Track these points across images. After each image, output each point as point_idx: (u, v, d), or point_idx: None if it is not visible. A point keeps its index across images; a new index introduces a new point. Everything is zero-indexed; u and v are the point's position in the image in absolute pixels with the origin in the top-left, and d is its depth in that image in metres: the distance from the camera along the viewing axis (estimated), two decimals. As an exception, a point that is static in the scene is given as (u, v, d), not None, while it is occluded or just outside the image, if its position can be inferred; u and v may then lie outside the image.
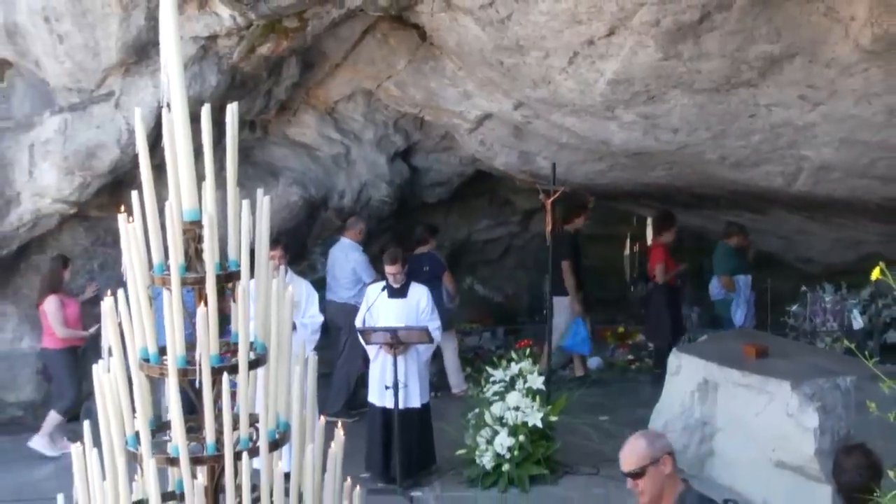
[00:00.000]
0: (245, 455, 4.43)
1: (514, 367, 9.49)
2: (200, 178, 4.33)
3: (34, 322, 10.58)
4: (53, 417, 10.11)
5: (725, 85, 8.96)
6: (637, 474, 4.85)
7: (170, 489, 4.63)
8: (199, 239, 4.31)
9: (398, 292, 9.46)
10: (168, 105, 4.24)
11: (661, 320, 12.18)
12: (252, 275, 4.47)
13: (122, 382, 4.40)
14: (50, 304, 10.06)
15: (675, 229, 12.37)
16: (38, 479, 9.08)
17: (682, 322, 12.72)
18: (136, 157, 4.56)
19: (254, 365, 4.49)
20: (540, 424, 9.23)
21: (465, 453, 9.41)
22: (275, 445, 4.53)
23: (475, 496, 9.13)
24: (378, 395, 9.38)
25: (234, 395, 4.43)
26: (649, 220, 13.73)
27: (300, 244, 11.14)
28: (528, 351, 9.84)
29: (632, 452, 4.92)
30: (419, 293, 9.54)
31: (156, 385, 4.61)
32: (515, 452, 9.18)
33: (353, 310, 10.89)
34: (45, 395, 10.70)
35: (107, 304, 4.44)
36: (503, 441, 9.17)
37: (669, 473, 4.85)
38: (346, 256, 11.73)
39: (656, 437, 5.10)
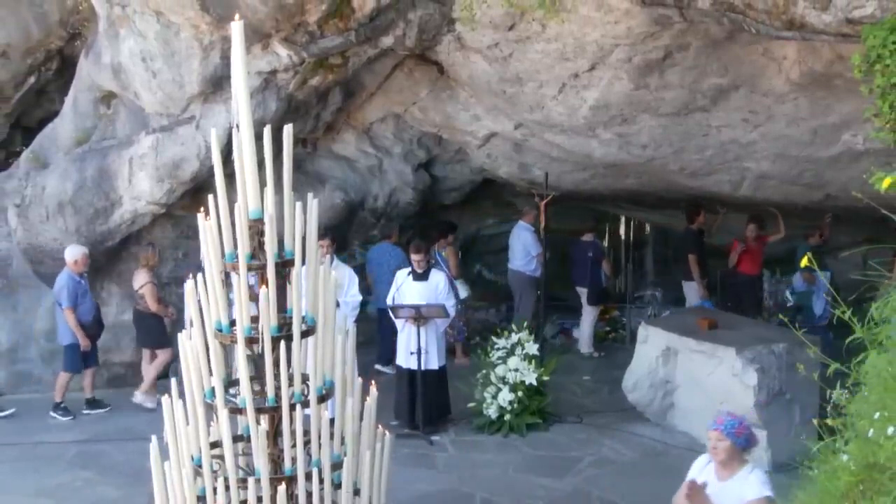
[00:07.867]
0: (298, 406, 4.45)
1: (514, 337, 9.44)
2: (263, 184, 4.34)
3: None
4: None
5: (684, 110, 8.93)
6: None
7: (238, 433, 4.65)
8: (262, 233, 4.33)
9: (421, 276, 9.41)
10: (237, 126, 4.26)
11: (732, 302, 11.56)
12: (303, 262, 4.48)
13: (201, 348, 4.42)
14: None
15: (753, 226, 11.65)
16: (136, 423, 9.11)
17: (753, 304, 11.78)
18: (212, 167, 4.58)
19: (305, 334, 4.51)
20: (535, 383, 9.22)
21: (474, 406, 9.38)
22: (322, 399, 4.55)
23: (483, 440, 9.12)
24: (405, 359, 9.35)
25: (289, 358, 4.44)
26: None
27: (342, 238, 11.10)
28: (524, 323, 9.78)
29: None
30: (438, 277, 9.48)
31: (227, 350, 4.63)
32: (515, 405, 9.17)
33: (524, 276, 11.98)
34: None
35: (188, 285, 4.46)
36: (505, 396, 9.16)
37: None
38: (518, 235, 12.08)
39: None
